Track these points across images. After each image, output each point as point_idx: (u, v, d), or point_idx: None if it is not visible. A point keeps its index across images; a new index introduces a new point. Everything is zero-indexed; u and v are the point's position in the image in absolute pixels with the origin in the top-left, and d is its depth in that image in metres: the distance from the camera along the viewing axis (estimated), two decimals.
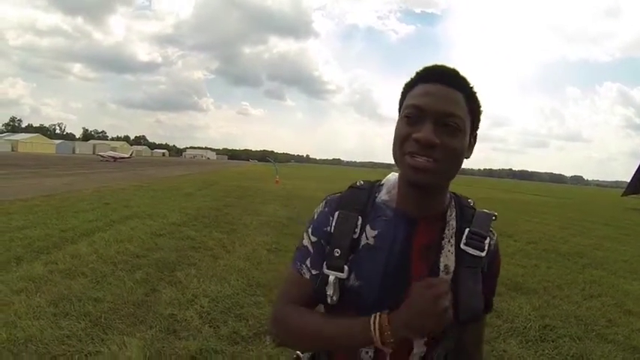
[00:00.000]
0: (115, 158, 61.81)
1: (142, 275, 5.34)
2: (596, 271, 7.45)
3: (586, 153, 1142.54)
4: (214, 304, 4.55)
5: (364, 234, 1.02)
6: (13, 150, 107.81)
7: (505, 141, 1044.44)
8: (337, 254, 1.00)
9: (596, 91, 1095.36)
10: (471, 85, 0.99)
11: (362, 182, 1.11)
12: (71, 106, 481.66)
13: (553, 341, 4.28)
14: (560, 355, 3.98)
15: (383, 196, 1.07)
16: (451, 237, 1.01)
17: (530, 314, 4.91)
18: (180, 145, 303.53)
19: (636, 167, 31.95)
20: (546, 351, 4.05)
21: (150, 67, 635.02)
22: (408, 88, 1.01)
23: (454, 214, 1.04)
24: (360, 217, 1.02)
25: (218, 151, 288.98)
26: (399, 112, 1.03)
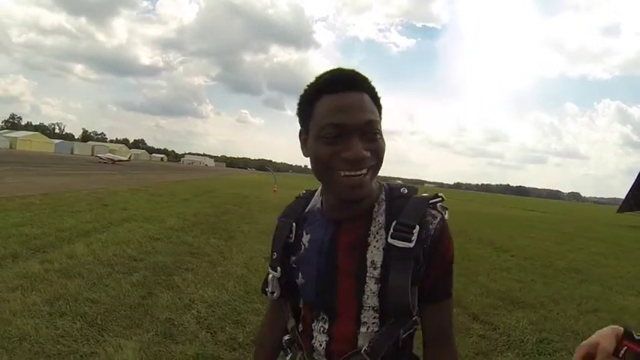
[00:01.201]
0: (113, 161, 61.75)
1: (138, 278, 5.29)
2: (593, 286, 7.42)
3: (584, 170, 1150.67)
4: (212, 309, 4.50)
5: (302, 239, 1.12)
6: (11, 147, 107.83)
7: (502, 156, 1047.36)
8: (274, 257, 1.15)
9: (594, 108, 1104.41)
10: (370, 80, 0.98)
11: (304, 192, 1.23)
12: (71, 106, 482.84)
13: (550, 354, 4.26)
14: None
15: (313, 203, 1.16)
16: (377, 232, 1.02)
17: (527, 328, 4.87)
18: (179, 151, 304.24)
19: (631, 184, 32.17)
20: None
21: (151, 71, 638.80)
22: (311, 100, 0.98)
23: (383, 208, 1.04)
24: (294, 224, 1.13)
25: (216, 158, 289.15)
26: (304, 125, 1.02)
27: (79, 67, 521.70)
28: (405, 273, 0.95)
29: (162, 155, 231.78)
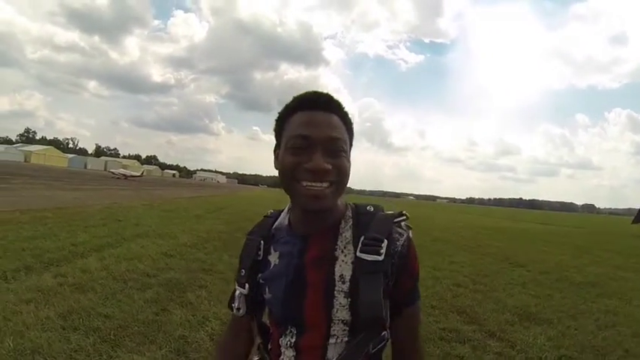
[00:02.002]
0: (126, 176, 62.35)
1: (152, 294, 5.26)
2: (611, 300, 7.28)
3: (597, 181, 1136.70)
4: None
5: (270, 256, 1.14)
6: (26, 160, 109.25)
7: (514, 170, 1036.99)
8: (242, 273, 1.16)
9: (605, 118, 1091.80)
10: (343, 107, 1.06)
11: (272, 211, 1.26)
12: (84, 122, 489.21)
13: None
14: None
15: (282, 221, 1.18)
16: (345, 247, 1.04)
17: (544, 344, 4.77)
18: (191, 167, 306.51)
19: None
20: None
21: (163, 89, 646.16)
22: (285, 117, 1.06)
23: (350, 224, 1.08)
24: (262, 241, 1.16)
25: (228, 175, 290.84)
26: (278, 139, 1.09)
27: (92, 84, 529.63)
28: (377, 286, 0.97)
29: (174, 171, 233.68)
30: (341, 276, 1.01)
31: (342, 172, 1.01)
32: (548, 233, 25.22)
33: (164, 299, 5.15)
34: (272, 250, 1.14)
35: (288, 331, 1.08)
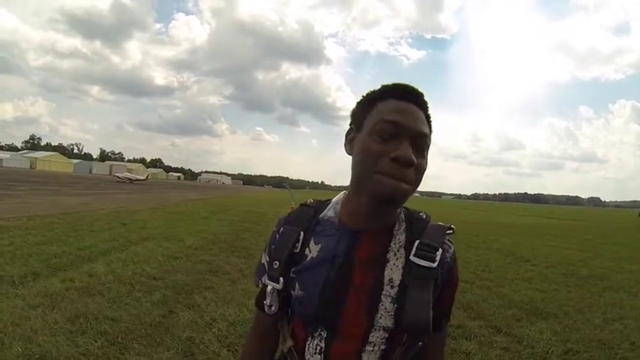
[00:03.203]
0: (131, 180, 62.56)
1: (159, 297, 5.29)
2: (617, 293, 7.32)
3: (602, 173, 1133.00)
4: (233, 328, 4.46)
5: (308, 248, 1.04)
6: (31, 167, 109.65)
7: (518, 164, 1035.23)
8: (276, 266, 1.04)
9: (609, 109, 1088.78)
10: (429, 108, 1.01)
11: (312, 200, 1.15)
12: (89, 127, 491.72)
13: None
14: None
15: (328, 212, 1.08)
16: (398, 250, 0.99)
17: (551, 339, 4.79)
18: (196, 169, 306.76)
19: None
20: None
21: (166, 92, 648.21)
22: (374, 100, 0.99)
23: (403, 227, 1.03)
24: (302, 232, 1.05)
25: (233, 176, 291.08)
26: (357, 125, 1.02)
27: (95, 89, 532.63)
28: (426, 290, 0.93)
29: (179, 174, 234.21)
30: (390, 280, 0.97)
31: (420, 172, 0.96)
32: (554, 227, 25.19)
33: (171, 301, 5.18)
34: (312, 243, 1.04)
35: (317, 333, 1.00)
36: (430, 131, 0.99)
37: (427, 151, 0.98)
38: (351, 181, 1.01)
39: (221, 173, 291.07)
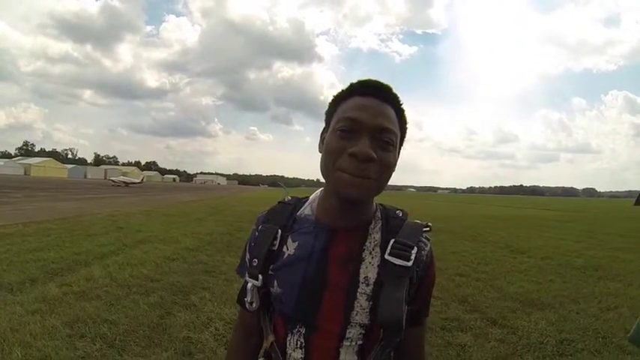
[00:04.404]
0: (126, 183, 62.45)
1: (156, 299, 5.32)
2: (612, 283, 7.38)
3: (597, 164, 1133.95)
4: (229, 326, 4.48)
5: (286, 246, 1.05)
6: (25, 174, 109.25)
7: (513, 157, 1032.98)
8: (255, 264, 1.05)
9: (602, 100, 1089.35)
10: (401, 102, 1.01)
11: (289, 198, 1.17)
12: (82, 132, 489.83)
13: (571, 355, 4.21)
14: None
15: (305, 210, 1.10)
16: (373, 249, 1.01)
17: (546, 329, 4.84)
18: (191, 171, 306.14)
19: None
20: None
21: (158, 94, 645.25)
22: (340, 100, 1.01)
23: (379, 226, 1.04)
24: (279, 230, 1.06)
25: (228, 177, 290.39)
26: (327, 124, 1.04)
27: (87, 93, 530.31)
28: (400, 288, 0.95)
29: (174, 176, 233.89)
30: (366, 278, 0.98)
31: (385, 167, 0.95)
32: (550, 219, 25.21)
33: (168, 303, 5.22)
34: (289, 241, 1.06)
35: (296, 329, 1.02)
36: (402, 126, 1.01)
37: (396, 145, 0.98)
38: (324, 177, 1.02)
39: (216, 174, 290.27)
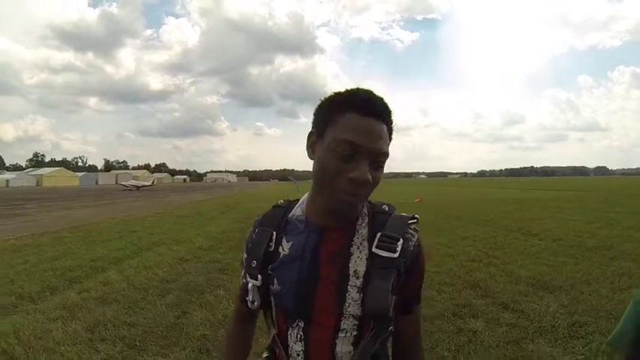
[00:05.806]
0: (137, 187, 62.66)
1: (172, 299, 5.45)
2: (625, 262, 7.30)
3: (607, 142, 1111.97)
4: (232, 318, 4.57)
5: (281, 246, 1.12)
6: (38, 184, 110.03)
7: (521, 139, 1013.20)
8: (254, 265, 1.12)
9: (609, 77, 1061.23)
10: (392, 116, 1.04)
11: (282, 201, 1.24)
12: (90, 139, 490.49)
13: (583, 337, 4.18)
14: (592, 351, 3.86)
15: (296, 211, 1.16)
16: (360, 243, 1.06)
17: (558, 312, 4.82)
18: (201, 170, 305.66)
19: None
20: (577, 348, 3.96)
21: (163, 96, 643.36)
22: (335, 109, 1.01)
23: (366, 221, 1.09)
24: (274, 232, 1.14)
25: (238, 174, 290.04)
26: (318, 129, 1.04)
27: (92, 101, 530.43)
28: (387, 279, 1.00)
29: (184, 176, 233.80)
30: (355, 271, 1.03)
31: (376, 184, 1.01)
32: (561, 200, 25.05)
33: (184, 302, 5.34)
34: (284, 241, 1.12)
35: (296, 324, 1.07)
36: (390, 139, 1.04)
37: (384, 163, 1.02)
38: (313, 184, 1.08)
39: (226, 172, 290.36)
